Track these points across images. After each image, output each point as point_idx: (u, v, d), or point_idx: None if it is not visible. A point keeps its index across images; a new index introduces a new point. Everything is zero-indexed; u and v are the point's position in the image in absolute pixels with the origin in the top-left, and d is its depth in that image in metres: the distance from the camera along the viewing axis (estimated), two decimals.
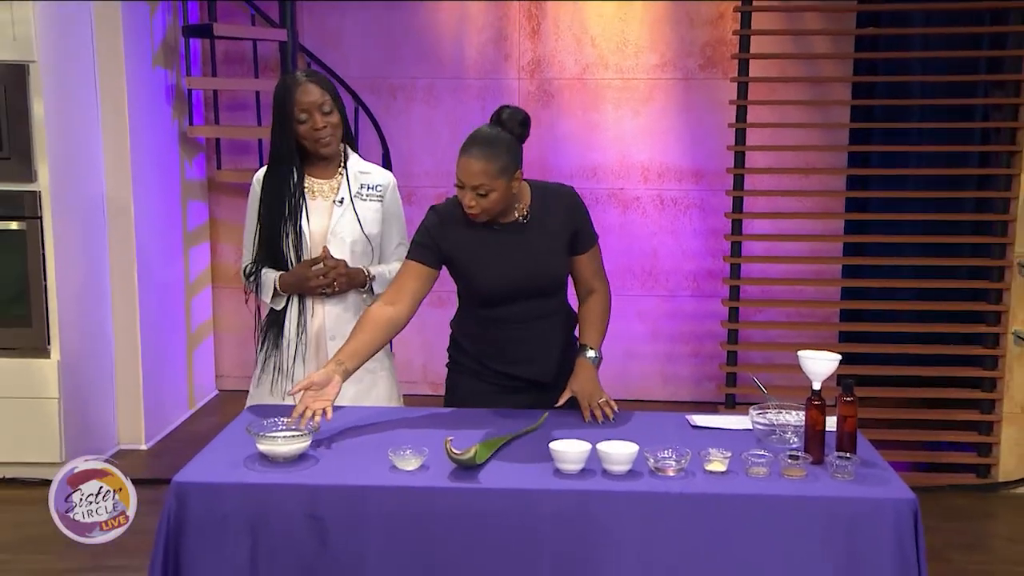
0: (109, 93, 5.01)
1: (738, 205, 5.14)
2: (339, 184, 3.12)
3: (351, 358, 2.75)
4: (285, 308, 3.12)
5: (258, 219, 3.11)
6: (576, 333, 3.06)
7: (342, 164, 3.14)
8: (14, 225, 4.60)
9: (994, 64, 5.08)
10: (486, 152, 2.72)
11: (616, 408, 2.88)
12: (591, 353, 2.95)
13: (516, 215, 2.90)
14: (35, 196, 4.57)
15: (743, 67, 5.06)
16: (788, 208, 5.74)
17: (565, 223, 2.93)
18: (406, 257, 2.95)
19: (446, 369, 3.15)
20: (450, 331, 3.14)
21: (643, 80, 5.94)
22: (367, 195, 3.13)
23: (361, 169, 3.16)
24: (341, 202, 3.09)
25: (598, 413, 2.84)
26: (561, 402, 2.90)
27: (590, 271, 3.01)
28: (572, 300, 3.10)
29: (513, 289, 2.92)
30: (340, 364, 2.71)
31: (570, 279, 3.05)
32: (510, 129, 2.78)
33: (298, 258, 3.07)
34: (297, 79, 3.03)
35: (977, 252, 5.07)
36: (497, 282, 2.91)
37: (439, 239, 2.90)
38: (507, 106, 2.83)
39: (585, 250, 2.98)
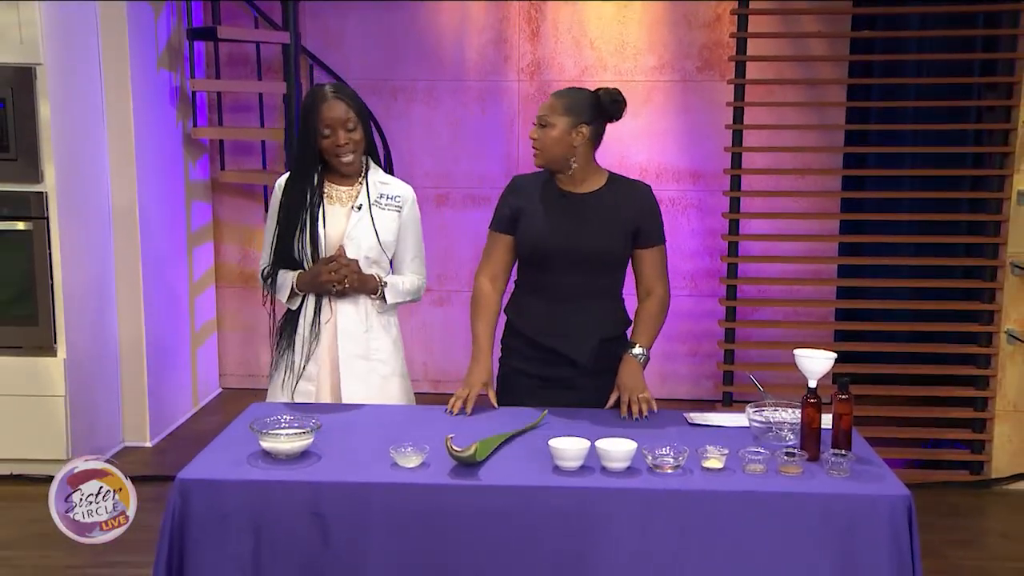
0: (114, 95, 5.04)
1: (735, 205, 5.18)
2: (358, 192, 3.16)
3: (488, 352, 3.08)
4: (300, 308, 3.16)
5: (277, 223, 3.15)
6: (627, 335, 3.12)
7: (363, 174, 3.18)
8: (21, 225, 4.64)
9: (987, 66, 5.13)
10: (562, 93, 3.03)
11: (655, 407, 2.92)
12: (637, 350, 3.01)
13: (586, 188, 3.03)
14: (42, 197, 4.61)
15: (740, 69, 5.10)
16: (785, 208, 5.77)
17: (631, 212, 3.03)
18: (490, 228, 3.13)
19: (497, 363, 3.21)
20: (506, 318, 3.21)
21: (641, 82, 5.98)
22: (385, 204, 3.17)
23: (381, 180, 3.21)
24: (359, 208, 3.13)
25: (635, 408, 2.88)
26: (610, 403, 2.97)
27: (652, 270, 3.08)
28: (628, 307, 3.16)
29: (558, 250, 3.00)
30: (484, 364, 3.05)
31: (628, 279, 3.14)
32: (600, 97, 3.00)
33: (314, 261, 3.11)
34: (325, 94, 3.07)
35: (971, 252, 5.11)
36: (545, 238, 3.01)
37: (512, 200, 3.10)
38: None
39: (648, 245, 3.06)
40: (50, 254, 4.66)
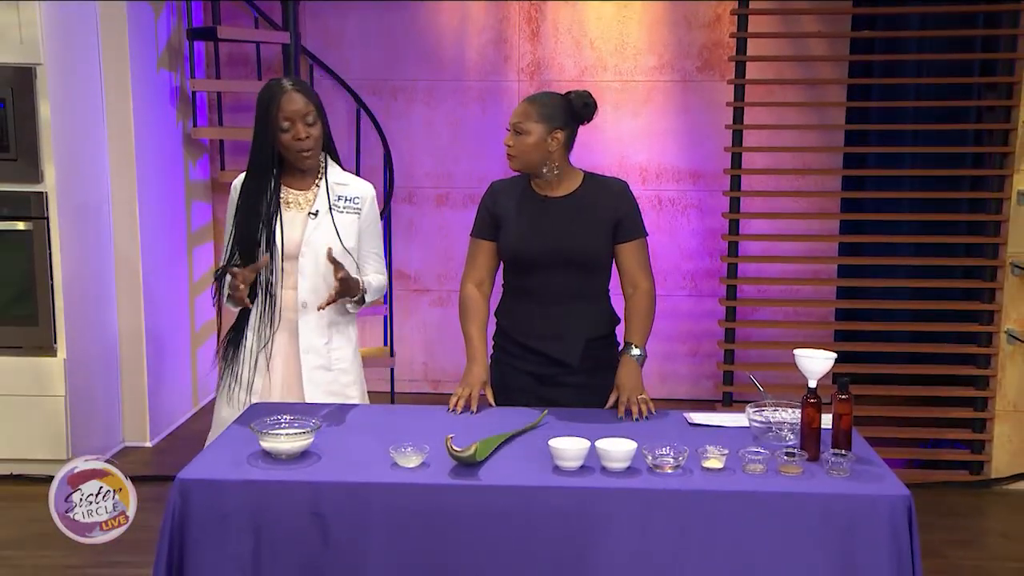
0: (114, 95, 5.04)
1: (735, 205, 5.18)
2: (315, 196, 3.06)
3: (484, 353, 3.08)
4: (246, 319, 3.06)
5: (233, 226, 3.05)
6: (616, 333, 3.13)
7: (320, 176, 3.09)
8: (21, 225, 4.64)
9: (987, 66, 5.13)
10: (535, 99, 3.03)
11: (653, 409, 2.92)
12: (635, 351, 3.01)
13: (564, 190, 3.05)
14: (42, 197, 4.61)
15: (740, 69, 5.10)
16: (785, 208, 5.78)
17: (611, 208, 3.03)
18: (471, 235, 3.12)
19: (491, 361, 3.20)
20: (496, 321, 3.21)
21: (641, 82, 5.98)
22: (344, 207, 3.07)
23: (339, 180, 3.10)
24: (315, 214, 3.03)
25: (633, 409, 2.88)
26: (610, 403, 2.96)
27: (634, 263, 3.06)
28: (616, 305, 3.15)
29: (541, 254, 3.00)
30: (482, 363, 3.04)
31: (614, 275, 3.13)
32: (571, 101, 3.02)
33: (271, 267, 3.01)
34: (283, 86, 2.97)
35: (971, 252, 5.11)
36: (528, 243, 3.01)
37: (492, 207, 3.12)
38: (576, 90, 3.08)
39: (629, 238, 3.05)
40: (50, 254, 4.66)
